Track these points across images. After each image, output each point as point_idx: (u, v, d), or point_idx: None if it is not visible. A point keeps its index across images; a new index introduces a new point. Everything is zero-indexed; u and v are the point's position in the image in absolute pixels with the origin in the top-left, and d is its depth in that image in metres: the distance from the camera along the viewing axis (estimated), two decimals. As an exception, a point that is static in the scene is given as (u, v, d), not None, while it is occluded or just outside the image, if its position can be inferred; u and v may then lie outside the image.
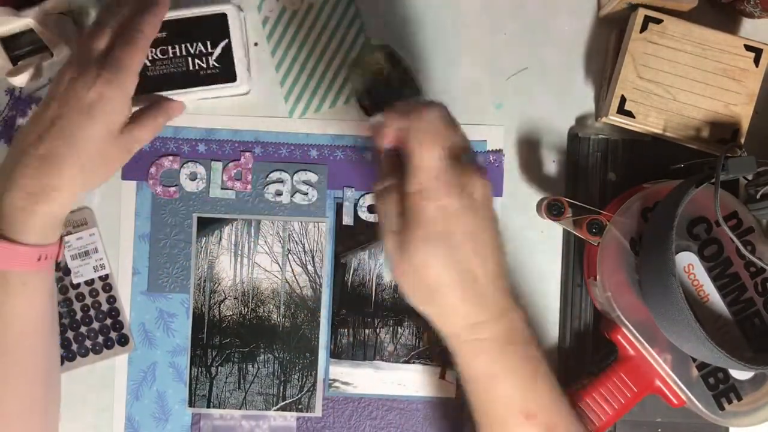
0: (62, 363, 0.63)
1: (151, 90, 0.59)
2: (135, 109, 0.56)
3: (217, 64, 0.60)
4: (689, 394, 0.56)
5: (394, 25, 0.65)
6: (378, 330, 0.64)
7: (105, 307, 0.63)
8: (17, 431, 0.52)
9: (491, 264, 0.47)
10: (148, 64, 0.60)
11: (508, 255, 0.64)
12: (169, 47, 0.60)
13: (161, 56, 0.60)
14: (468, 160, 0.47)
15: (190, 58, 0.60)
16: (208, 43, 0.60)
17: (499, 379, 0.49)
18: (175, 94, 0.60)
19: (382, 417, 0.64)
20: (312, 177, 0.64)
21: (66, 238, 0.63)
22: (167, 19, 0.58)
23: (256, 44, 0.65)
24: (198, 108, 0.64)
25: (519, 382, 0.49)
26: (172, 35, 0.59)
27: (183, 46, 0.60)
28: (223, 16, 0.60)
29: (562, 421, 0.51)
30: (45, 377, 0.54)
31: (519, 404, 0.49)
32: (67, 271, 0.63)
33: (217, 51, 0.60)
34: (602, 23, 0.65)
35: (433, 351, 0.64)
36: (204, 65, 0.60)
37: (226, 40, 0.60)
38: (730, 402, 0.57)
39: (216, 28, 0.60)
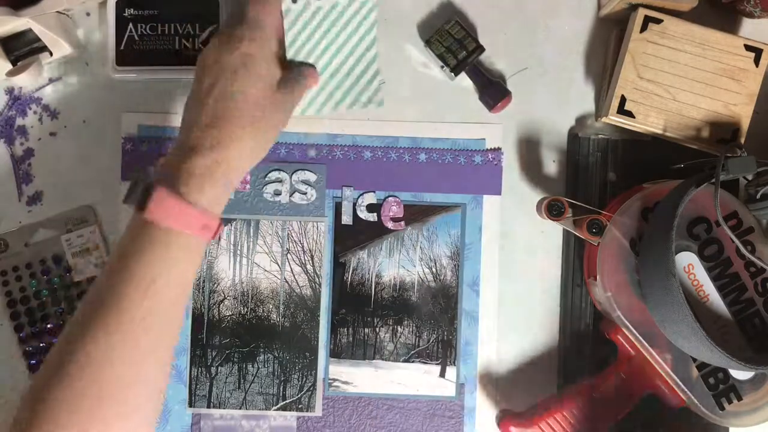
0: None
1: (138, 63, 0.62)
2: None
3: (202, 47, 0.61)
4: (689, 394, 0.56)
5: (394, 23, 0.65)
6: (377, 329, 0.64)
7: (105, 306, 0.63)
8: (151, 402, 0.50)
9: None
10: (137, 38, 0.62)
11: (508, 254, 0.64)
12: (159, 25, 0.62)
13: (150, 32, 0.62)
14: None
15: (177, 38, 0.62)
16: (197, 25, 0.62)
17: None
18: (158, 71, 0.62)
19: (382, 416, 0.64)
20: (311, 176, 0.64)
21: (67, 236, 0.63)
22: None
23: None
24: (181, 90, 0.64)
25: None
26: (164, 13, 0.62)
27: (173, 25, 0.62)
28: (215, 2, 0.62)
29: None
30: (171, 351, 0.52)
31: None
32: (68, 269, 0.63)
33: (204, 35, 0.62)
34: (602, 23, 0.65)
35: (433, 349, 0.64)
36: (190, 46, 0.62)
37: (215, 25, 0.62)
38: (730, 402, 0.57)
39: (207, 12, 0.62)
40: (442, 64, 0.63)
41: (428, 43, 0.63)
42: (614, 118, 0.60)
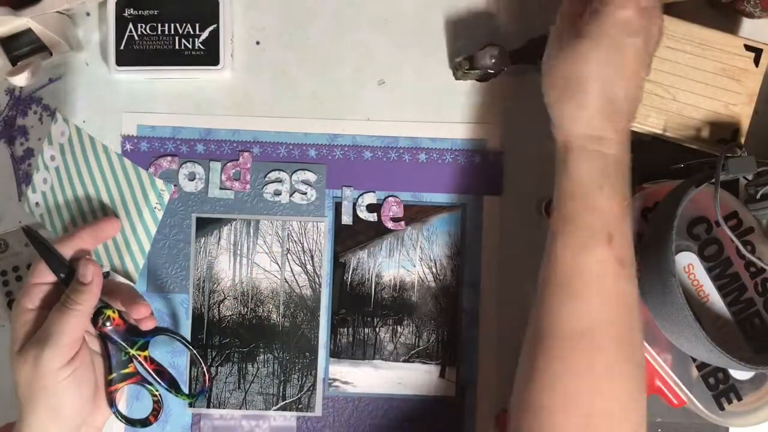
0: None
1: (137, 63, 0.62)
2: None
3: (202, 47, 0.62)
4: (689, 394, 0.56)
5: (394, 22, 0.65)
6: (377, 329, 0.64)
7: (105, 306, 0.63)
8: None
9: (633, 95, 0.51)
10: (136, 38, 0.62)
11: (508, 254, 0.64)
12: (159, 24, 0.62)
13: (150, 32, 0.62)
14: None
15: (177, 38, 0.62)
16: (197, 25, 0.62)
17: (604, 193, 0.50)
18: (158, 71, 0.62)
19: (382, 416, 0.64)
20: (311, 176, 0.64)
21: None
22: None
23: (258, 43, 0.65)
24: (181, 90, 0.64)
25: (616, 204, 0.51)
26: (164, 13, 0.62)
27: (172, 25, 0.62)
28: (215, 2, 0.62)
29: (631, 260, 0.51)
30: None
31: (609, 225, 0.50)
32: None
33: (205, 34, 0.62)
34: (602, 22, 0.65)
35: (433, 349, 0.64)
36: (190, 46, 0.62)
37: (215, 25, 0.62)
38: (730, 402, 0.57)
39: (206, 11, 0.62)
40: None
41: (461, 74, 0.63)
42: (614, 118, 0.59)
